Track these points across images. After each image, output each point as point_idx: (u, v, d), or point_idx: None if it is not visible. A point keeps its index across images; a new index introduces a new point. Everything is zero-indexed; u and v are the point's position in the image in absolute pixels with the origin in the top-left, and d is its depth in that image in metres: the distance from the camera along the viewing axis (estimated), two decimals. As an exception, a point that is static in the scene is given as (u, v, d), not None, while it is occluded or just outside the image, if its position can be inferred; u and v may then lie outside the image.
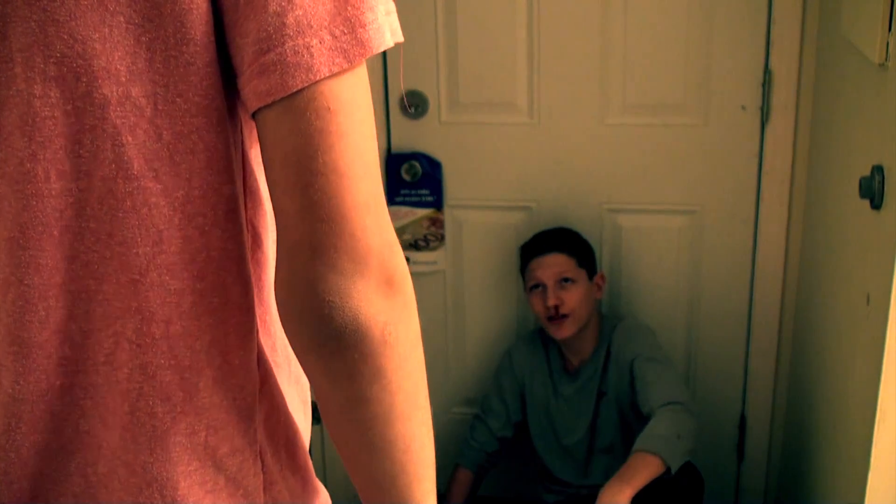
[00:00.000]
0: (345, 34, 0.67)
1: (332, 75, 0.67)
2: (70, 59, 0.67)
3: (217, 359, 0.75)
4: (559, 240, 2.21)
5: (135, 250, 0.71)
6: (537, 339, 2.30)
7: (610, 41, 2.21)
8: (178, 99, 0.69)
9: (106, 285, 0.72)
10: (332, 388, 0.72)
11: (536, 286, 2.18)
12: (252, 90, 0.68)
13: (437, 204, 2.36)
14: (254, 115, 0.70)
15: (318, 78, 0.66)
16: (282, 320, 0.72)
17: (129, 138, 0.69)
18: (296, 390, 0.87)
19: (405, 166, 2.31)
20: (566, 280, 2.15)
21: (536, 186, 2.33)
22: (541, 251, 2.19)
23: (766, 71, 2.14)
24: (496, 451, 2.33)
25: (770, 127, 2.17)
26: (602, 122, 2.26)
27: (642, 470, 1.87)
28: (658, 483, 1.90)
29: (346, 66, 0.67)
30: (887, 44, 1.36)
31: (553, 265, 2.16)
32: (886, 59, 1.38)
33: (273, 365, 0.82)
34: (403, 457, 0.75)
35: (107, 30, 0.67)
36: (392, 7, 0.73)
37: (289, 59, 0.66)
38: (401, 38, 0.73)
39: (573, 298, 2.15)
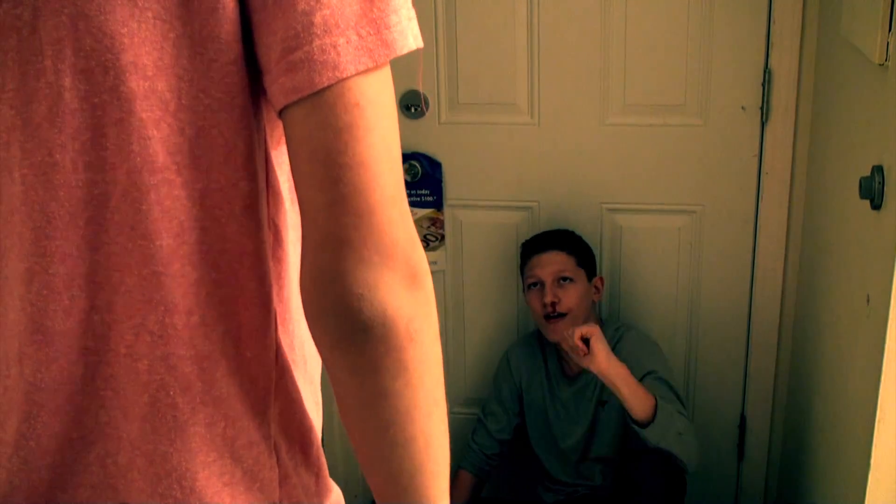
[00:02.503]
0: (371, 35, 0.68)
1: (358, 73, 0.68)
2: (99, 53, 0.69)
3: (230, 350, 0.76)
4: (560, 239, 2.21)
5: (158, 242, 0.72)
6: (535, 341, 2.30)
7: (610, 41, 2.21)
8: (201, 94, 0.71)
9: (129, 277, 0.73)
10: (356, 383, 0.73)
11: (535, 284, 2.18)
12: (279, 87, 0.69)
13: (437, 204, 2.36)
14: (280, 114, 0.71)
15: (344, 76, 0.67)
16: (307, 315, 0.73)
17: (155, 132, 0.70)
18: (310, 390, 0.87)
19: (405, 166, 2.31)
20: (565, 279, 2.15)
21: (536, 186, 2.33)
22: (541, 249, 2.19)
23: (766, 71, 2.14)
24: (496, 453, 2.33)
25: (770, 127, 2.17)
26: (602, 122, 2.26)
27: (634, 385, 1.95)
28: (645, 479, 1.91)
29: (371, 65, 0.68)
30: (887, 44, 1.36)
31: (552, 263, 2.16)
32: (886, 59, 1.38)
33: (290, 362, 0.82)
34: (423, 454, 0.76)
35: (135, 25, 0.68)
36: (413, 14, 0.74)
37: (316, 56, 0.67)
38: (421, 44, 0.74)
39: (571, 297, 2.15)
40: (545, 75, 2.25)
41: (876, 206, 1.40)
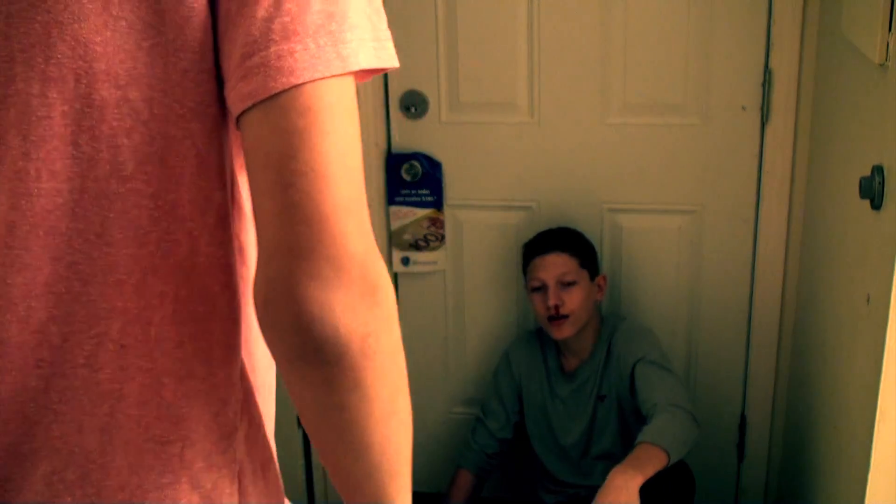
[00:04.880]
0: (328, 45, 0.68)
1: (314, 80, 0.67)
2: (71, 61, 0.68)
3: (201, 370, 0.75)
4: (562, 240, 2.20)
5: (123, 251, 0.71)
6: (535, 339, 2.30)
7: (610, 41, 2.21)
8: (174, 104, 0.70)
9: (91, 286, 0.72)
10: (310, 396, 0.72)
11: (538, 287, 2.18)
12: (237, 94, 0.68)
13: (437, 204, 2.36)
14: (238, 121, 0.70)
15: (299, 81, 0.67)
16: (260, 327, 0.71)
17: (125, 141, 0.70)
18: (270, 414, 0.86)
19: (405, 166, 2.31)
20: (568, 283, 2.15)
21: (536, 186, 2.33)
22: (543, 250, 2.18)
23: (766, 71, 2.14)
24: (496, 452, 2.33)
25: (770, 127, 2.17)
26: (602, 122, 2.26)
27: (651, 461, 1.86)
28: (650, 481, 1.90)
29: (326, 73, 0.68)
30: (887, 44, 1.36)
31: (555, 265, 2.15)
32: (886, 59, 1.38)
33: (253, 384, 0.81)
34: (380, 458, 0.75)
35: (109, 33, 0.68)
36: (385, 35, 0.73)
37: (272, 62, 0.67)
38: (395, 65, 0.73)
39: (574, 300, 2.14)
40: (545, 75, 2.25)
41: (876, 206, 1.40)
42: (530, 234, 2.31)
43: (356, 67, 0.69)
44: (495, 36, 2.25)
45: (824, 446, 1.82)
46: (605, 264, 2.36)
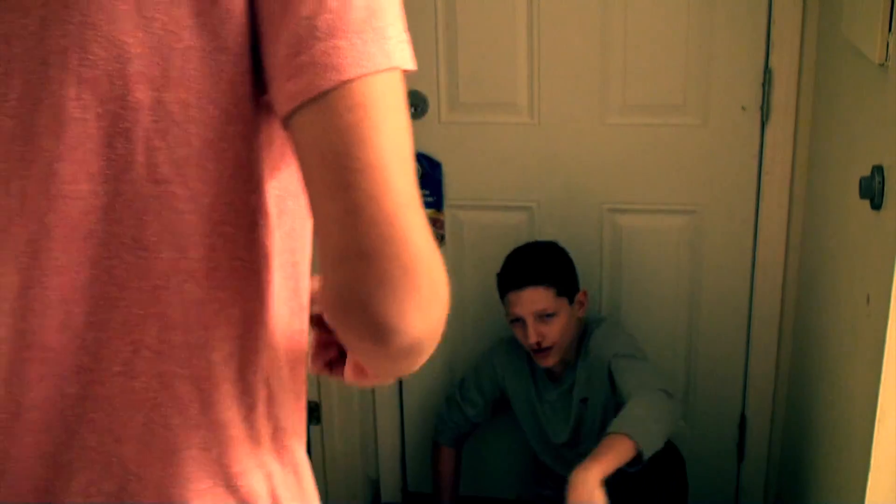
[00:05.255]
0: (373, 41, 0.68)
1: (361, 76, 0.67)
2: (106, 63, 0.68)
3: (233, 373, 0.74)
4: (537, 269, 2.13)
5: (159, 255, 0.71)
6: (519, 348, 2.27)
7: (610, 41, 2.21)
8: (209, 106, 0.69)
9: (127, 291, 0.71)
10: (373, 368, 0.79)
11: (517, 320, 2.14)
12: (284, 93, 0.68)
13: (437, 204, 2.36)
14: (286, 122, 0.69)
15: (346, 77, 0.66)
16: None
17: (160, 143, 0.69)
18: (297, 417, 0.86)
19: (405, 166, 2.31)
20: (547, 315, 2.10)
21: (536, 186, 2.33)
22: (518, 285, 2.12)
23: (766, 71, 2.14)
24: (469, 430, 2.38)
25: (770, 127, 2.17)
26: (602, 122, 2.26)
27: (613, 451, 1.82)
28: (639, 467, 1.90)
29: (372, 69, 0.67)
30: (887, 44, 1.36)
31: (531, 301, 2.10)
32: (886, 59, 1.38)
33: (279, 388, 0.81)
34: None
35: (143, 35, 0.67)
36: (407, 38, 0.73)
37: (319, 59, 0.66)
38: (414, 67, 0.73)
39: (555, 331, 2.11)
40: (545, 75, 2.25)
41: (876, 206, 1.40)
42: (530, 235, 2.31)
43: (400, 64, 0.69)
44: (495, 36, 2.25)
45: (824, 446, 1.82)
46: (604, 265, 2.36)
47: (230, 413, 0.75)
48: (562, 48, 2.23)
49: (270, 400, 0.78)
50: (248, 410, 0.76)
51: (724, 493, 2.46)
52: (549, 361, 2.14)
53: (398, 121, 0.69)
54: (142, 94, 0.68)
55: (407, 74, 0.72)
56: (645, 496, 2.04)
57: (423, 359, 0.73)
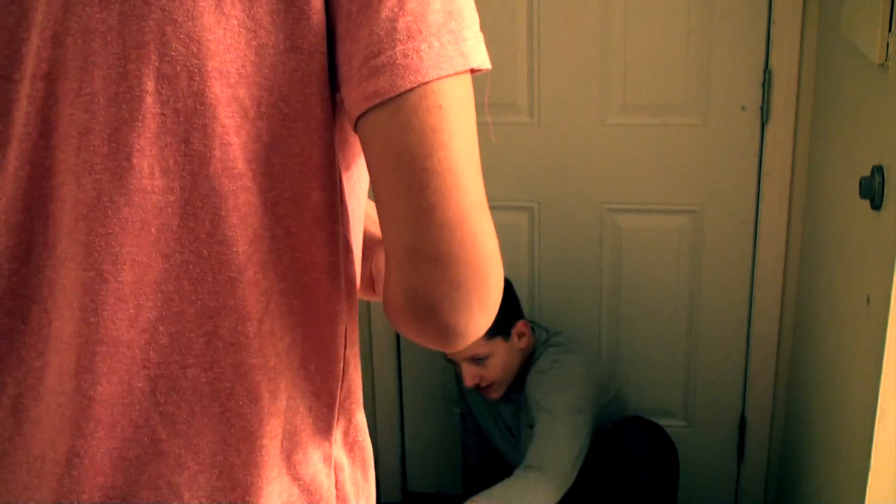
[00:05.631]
0: (451, 43, 0.69)
1: (440, 78, 0.68)
2: (185, 59, 0.69)
3: (295, 362, 0.75)
4: None
5: (234, 248, 0.72)
6: None
7: (610, 41, 2.21)
8: (280, 103, 0.70)
9: (201, 285, 0.72)
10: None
11: (452, 361, 2.12)
12: (360, 93, 0.68)
13: (437, 204, 2.36)
14: (358, 122, 0.70)
15: (426, 79, 0.67)
16: (395, 324, 0.72)
17: (235, 139, 0.70)
18: (362, 414, 0.88)
19: (405, 166, 2.31)
20: (481, 357, 2.05)
21: (536, 186, 2.33)
22: None
23: (766, 71, 2.14)
24: (482, 446, 2.37)
25: (770, 127, 2.17)
26: (602, 122, 2.26)
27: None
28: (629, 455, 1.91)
29: (451, 71, 0.68)
30: (887, 44, 1.36)
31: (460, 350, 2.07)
32: (886, 59, 1.38)
33: (356, 382, 0.82)
34: None
35: (221, 31, 0.68)
36: (481, 37, 0.74)
37: (399, 60, 0.67)
38: (489, 66, 0.74)
39: (492, 372, 2.06)
40: (545, 75, 2.25)
41: (876, 206, 1.40)
42: (530, 235, 2.31)
43: (476, 65, 0.70)
44: (495, 36, 2.25)
45: (824, 446, 1.82)
46: (604, 265, 2.36)
47: (294, 402, 0.76)
48: (562, 48, 2.23)
49: (347, 393, 0.80)
50: (321, 402, 0.77)
51: (724, 493, 2.46)
52: (494, 396, 2.11)
53: (471, 123, 0.70)
54: (219, 90, 0.69)
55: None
56: (635, 487, 2.03)
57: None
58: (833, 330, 1.78)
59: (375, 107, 0.68)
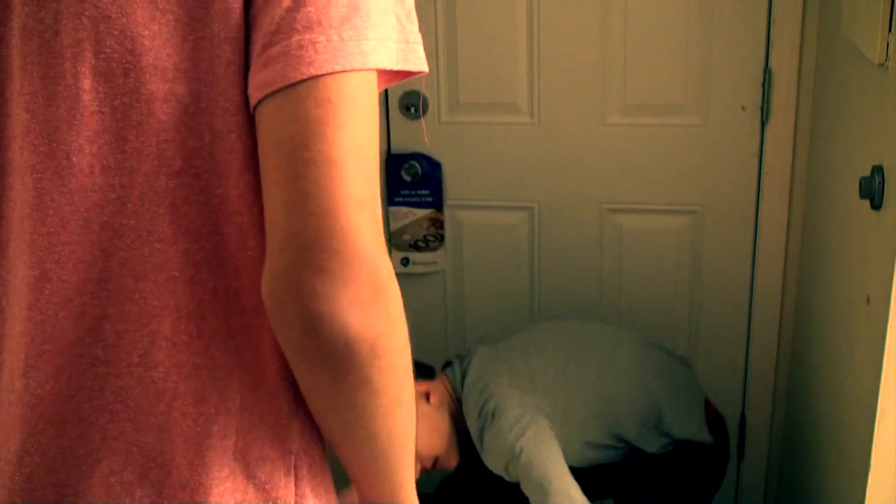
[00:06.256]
0: (351, 39, 0.67)
1: (335, 72, 0.66)
2: (120, 55, 0.68)
3: (250, 361, 0.74)
4: None
5: (174, 247, 0.71)
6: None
7: (610, 41, 2.21)
8: (219, 97, 0.69)
9: (143, 283, 0.71)
10: (316, 390, 0.71)
11: None
12: (256, 82, 0.68)
13: (437, 204, 2.36)
14: (255, 110, 0.69)
15: (319, 72, 0.66)
16: (270, 319, 0.70)
17: (173, 135, 0.69)
18: None
19: (405, 166, 2.31)
20: None
21: (536, 186, 2.33)
22: None
23: (766, 71, 2.14)
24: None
25: (770, 127, 2.17)
26: (602, 122, 2.26)
27: None
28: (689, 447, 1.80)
29: (347, 67, 0.67)
30: (887, 44, 1.36)
31: None
32: (886, 59, 1.38)
33: None
34: (386, 443, 0.76)
35: (156, 27, 0.68)
36: (415, 38, 0.73)
37: (293, 51, 0.66)
38: (424, 69, 0.72)
39: (423, 448, 1.78)
40: (545, 75, 2.25)
41: (876, 206, 1.40)
42: (530, 235, 2.31)
43: (378, 65, 0.68)
44: (495, 36, 2.25)
45: (824, 446, 1.82)
46: (605, 264, 2.35)
47: (249, 401, 0.75)
48: (562, 48, 2.23)
49: (295, 387, 0.78)
50: (274, 398, 0.76)
51: (724, 493, 2.46)
52: (452, 465, 1.88)
53: (365, 120, 0.68)
54: (155, 86, 0.68)
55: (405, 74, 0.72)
56: (675, 481, 1.91)
57: (366, 370, 0.69)
58: (833, 330, 1.78)
59: (267, 96, 0.67)
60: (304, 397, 0.74)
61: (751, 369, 2.35)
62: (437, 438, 1.83)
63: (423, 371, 1.88)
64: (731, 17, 2.13)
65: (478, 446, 1.80)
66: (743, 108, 2.18)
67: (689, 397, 1.93)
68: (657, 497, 1.93)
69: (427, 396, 1.83)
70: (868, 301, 1.45)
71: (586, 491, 1.71)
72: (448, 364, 1.95)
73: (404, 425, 0.77)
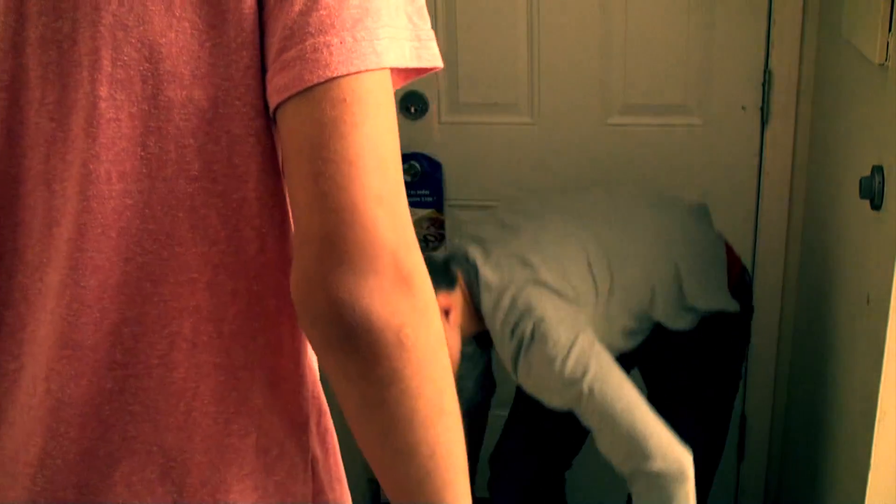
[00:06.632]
0: (364, 40, 0.68)
1: (349, 74, 0.68)
2: (138, 63, 0.69)
3: (270, 360, 0.76)
4: None
5: (193, 250, 0.72)
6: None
7: (610, 42, 2.21)
8: (237, 102, 0.71)
9: (163, 286, 0.73)
10: (348, 389, 0.71)
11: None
12: (273, 86, 0.69)
13: (437, 204, 2.36)
14: (275, 114, 0.71)
15: (334, 74, 0.67)
16: (298, 317, 0.71)
17: (192, 140, 0.70)
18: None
19: (405, 166, 2.31)
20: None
21: (536, 186, 2.33)
22: None
23: (766, 71, 2.14)
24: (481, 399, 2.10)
25: (770, 127, 2.17)
26: (602, 122, 2.26)
27: None
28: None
29: (362, 67, 0.68)
30: (887, 44, 1.36)
31: None
32: (886, 59, 1.38)
33: (316, 375, 0.82)
34: (429, 462, 0.72)
35: (173, 34, 0.69)
36: (428, 35, 0.74)
37: (308, 55, 0.67)
38: (438, 65, 0.74)
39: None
40: (545, 75, 2.25)
41: (876, 206, 1.40)
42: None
43: (391, 64, 0.69)
44: (495, 36, 2.25)
45: (824, 446, 1.82)
46: (605, 264, 2.35)
47: (269, 400, 0.76)
48: (562, 48, 2.23)
49: (314, 386, 0.80)
50: (292, 396, 0.77)
51: (724, 493, 2.46)
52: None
53: (381, 119, 0.69)
54: (173, 92, 0.69)
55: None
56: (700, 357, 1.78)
57: (393, 362, 0.68)
58: (833, 330, 1.78)
59: (285, 100, 0.68)
60: (340, 404, 0.73)
61: (751, 369, 2.35)
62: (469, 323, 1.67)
63: (441, 276, 1.63)
64: (731, 18, 2.13)
65: (510, 368, 1.63)
66: (743, 108, 2.18)
67: (711, 259, 1.79)
68: (686, 375, 1.79)
69: (448, 312, 1.63)
70: (868, 301, 1.45)
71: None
72: (451, 259, 1.72)
73: (449, 442, 0.73)
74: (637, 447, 1.53)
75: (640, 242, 1.75)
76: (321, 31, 0.67)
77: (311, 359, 0.81)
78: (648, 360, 1.86)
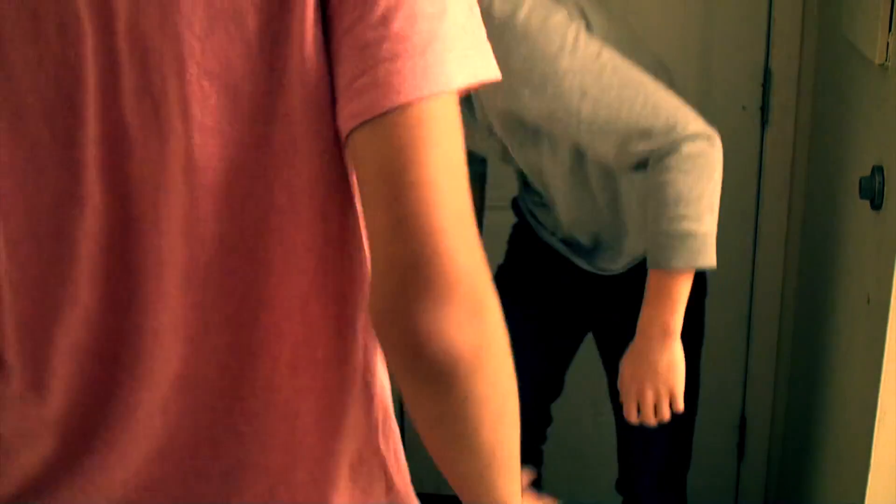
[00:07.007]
0: (434, 64, 0.70)
1: (421, 98, 0.69)
2: (225, 108, 0.72)
3: (361, 382, 0.81)
4: None
5: (286, 279, 0.76)
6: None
7: (610, 41, 2.20)
8: (317, 137, 0.73)
9: (263, 314, 0.76)
10: (422, 405, 0.74)
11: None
12: (347, 112, 0.71)
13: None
14: (348, 140, 0.72)
15: (407, 100, 0.69)
16: (379, 341, 0.74)
17: (274, 175, 0.73)
18: None
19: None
20: None
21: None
22: None
23: (766, 71, 2.14)
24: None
25: (770, 127, 2.17)
26: (602, 122, 2.26)
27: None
28: None
29: (434, 90, 0.70)
30: (887, 44, 1.36)
31: None
32: (886, 59, 1.38)
33: (383, 381, 0.87)
34: (490, 458, 0.77)
35: (254, 78, 0.71)
36: (486, 46, 0.75)
37: (381, 80, 0.69)
38: (497, 75, 0.75)
39: None
40: (545, 75, 2.25)
41: (876, 206, 1.40)
42: (530, 234, 2.30)
43: (460, 85, 0.71)
44: (495, 36, 2.24)
45: (824, 446, 1.82)
46: (605, 264, 2.35)
47: (360, 417, 0.82)
48: (562, 48, 2.22)
49: (382, 389, 0.85)
50: (369, 406, 0.83)
51: (724, 493, 2.46)
52: None
53: (452, 140, 0.71)
54: (252, 136, 0.72)
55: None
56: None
57: (468, 384, 0.72)
58: (833, 330, 1.78)
59: (358, 126, 0.70)
60: (410, 413, 0.77)
61: (751, 369, 2.35)
62: None
63: None
64: (731, 17, 2.13)
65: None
66: (743, 107, 2.18)
67: None
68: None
69: None
70: (868, 301, 1.45)
71: (564, 330, 1.65)
72: None
73: (508, 439, 0.79)
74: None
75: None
76: (392, 58, 0.69)
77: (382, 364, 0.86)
78: (600, 327, 1.83)
